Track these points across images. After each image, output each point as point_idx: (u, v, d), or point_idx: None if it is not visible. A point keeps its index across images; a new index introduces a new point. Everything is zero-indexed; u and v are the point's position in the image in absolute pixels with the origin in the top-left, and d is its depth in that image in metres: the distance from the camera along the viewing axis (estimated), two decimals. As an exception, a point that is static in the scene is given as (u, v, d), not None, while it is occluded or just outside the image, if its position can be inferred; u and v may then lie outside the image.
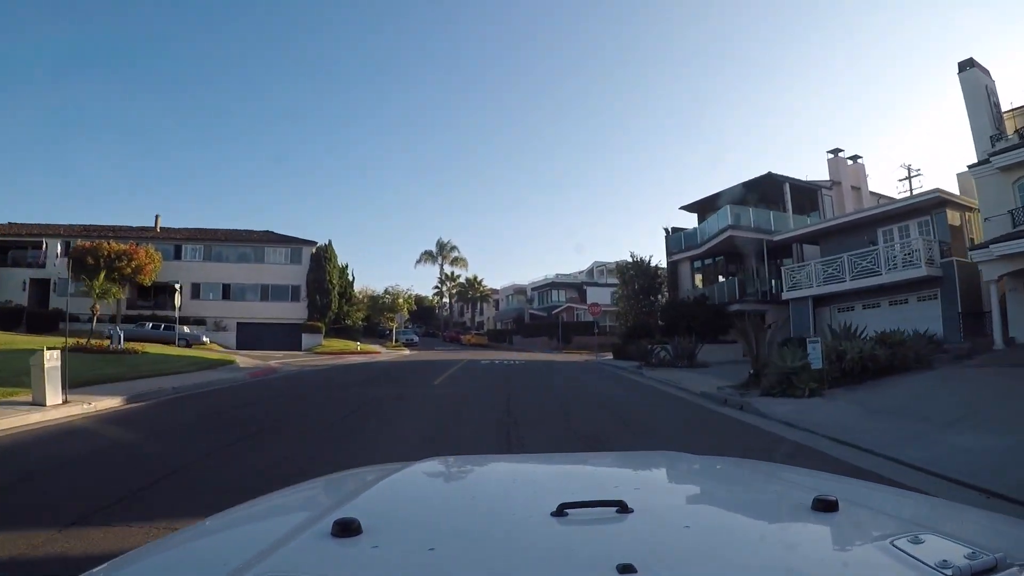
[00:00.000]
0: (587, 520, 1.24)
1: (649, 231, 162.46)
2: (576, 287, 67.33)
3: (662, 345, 22.82)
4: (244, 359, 28.01)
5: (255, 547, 1.14)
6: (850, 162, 34.30)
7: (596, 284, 67.06)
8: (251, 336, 45.86)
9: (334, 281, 46.66)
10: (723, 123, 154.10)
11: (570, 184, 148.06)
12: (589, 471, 2.22)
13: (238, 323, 46.66)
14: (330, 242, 48.11)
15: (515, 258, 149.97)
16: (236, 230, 50.29)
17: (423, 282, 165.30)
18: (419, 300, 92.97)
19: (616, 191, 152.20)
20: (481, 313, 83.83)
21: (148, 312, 45.74)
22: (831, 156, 34.05)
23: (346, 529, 1.15)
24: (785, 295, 27.32)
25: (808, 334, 25.17)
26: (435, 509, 1.58)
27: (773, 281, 30.59)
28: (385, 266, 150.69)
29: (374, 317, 55.37)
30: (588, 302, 63.39)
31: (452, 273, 76.55)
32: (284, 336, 45.42)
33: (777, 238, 28.98)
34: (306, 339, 44.88)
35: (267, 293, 47.37)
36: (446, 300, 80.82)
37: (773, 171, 31.61)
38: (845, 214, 27.63)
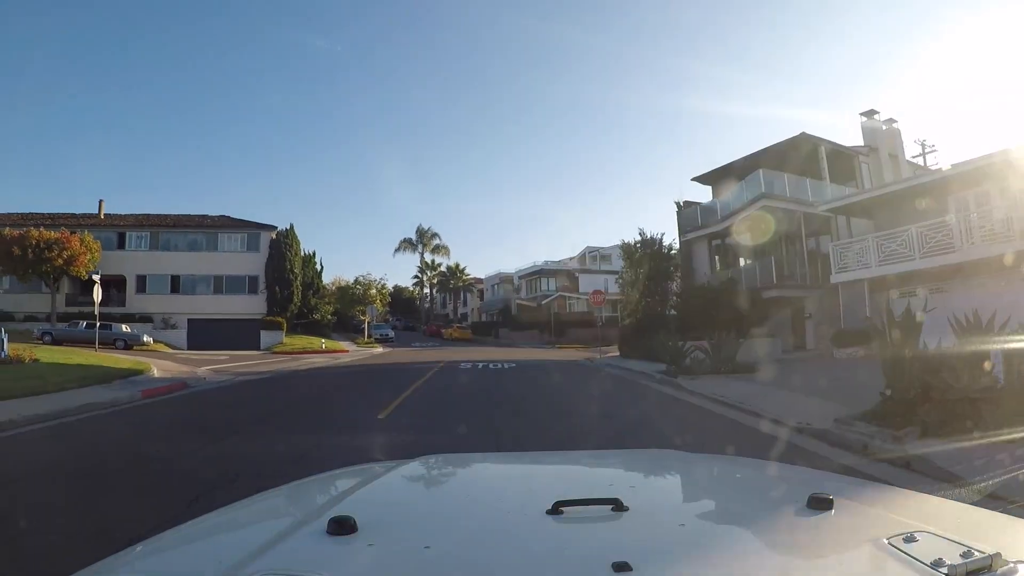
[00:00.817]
0: (582, 518, 1.25)
1: (648, 214, 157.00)
2: (567, 274, 62.23)
3: (696, 342, 17.79)
4: (170, 365, 22.63)
5: (251, 545, 1.14)
6: (884, 127, 29.66)
7: (589, 271, 62.05)
8: (204, 334, 40.39)
9: (296, 270, 41.15)
10: (728, 92, 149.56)
11: (560, 166, 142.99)
12: (584, 469, 2.22)
13: (189, 320, 41.25)
14: (291, 226, 42.70)
15: (501, 248, 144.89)
16: (187, 215, 44.56)
17: (404, 272, 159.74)
18: (399, 291, 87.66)
19: (610, 171, 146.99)
20: (465, 304, 78.49)
21: (89, 309, 40.22)
22: (865, 119, 29.32)
23: (342, 527, 1.14)
24: (835, 278, 22.50)
25: (861, 324, 20.68)
26: (431, 507, 1.63)
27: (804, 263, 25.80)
28: (363, 258, 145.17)
29: (346, 310, 49.83)
30: (584, 290, 58.27)
31: (433, 262, 71.01)
32: (241, 333, 40.00)
33: (823, 208, 23.98)
34: (265, 337, 39.50)
35: (221, 285, 41.86)
36: (427, 291, 75.12)
37: (807, 131, 26.64)
38: (907, 178, 22.77)
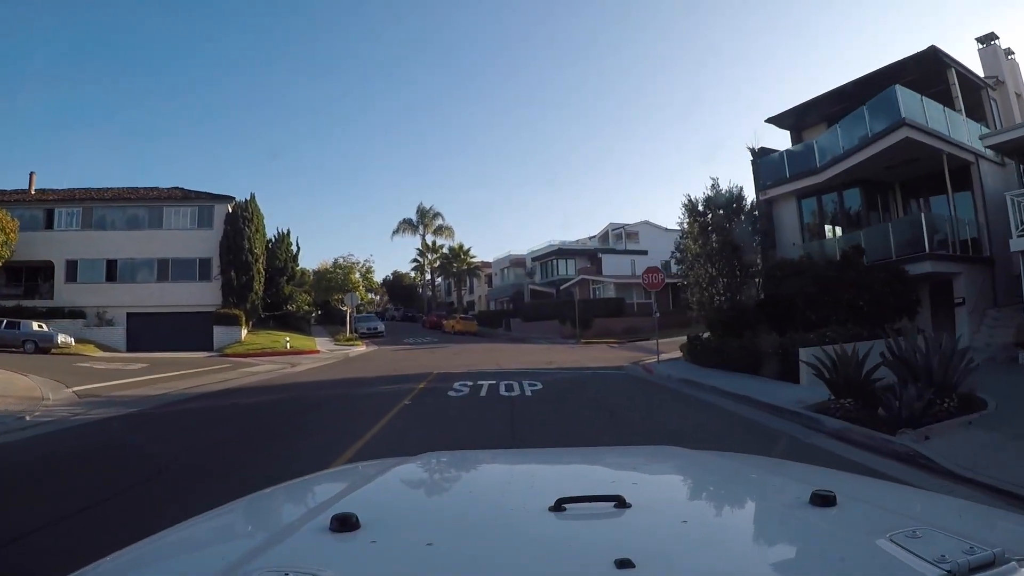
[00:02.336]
0: (585, 515, 1.24)
1: (676, 186, 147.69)
2: (589, 255, 53.95)
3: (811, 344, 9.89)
4: (23, 385, 14.70)
5: (253, 542, 1.16)
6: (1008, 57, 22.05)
7: (614, 251, 53.77)
8: (146, 331, 32.79)
9: (257, 250, 33.09)
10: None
11: (576, 136, 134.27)
12: (587, 466, 2.20)
13: (128, 314, 33.45)
14: (252, 197, 34.66)
15: (510, 231, 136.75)
16: (130, 188, 36.47)
17: (405, 257, 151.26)
18: (399, 278, 79.64)
19: (634, 134, 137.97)
20: (471, 291, 70.28)
21: (12, 302, 32.59)
22: (983, 46, 21.85)
23: (344, 524, 1.15)
24: (1016, 243, 14.76)
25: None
26: (433, 504, 1.66)
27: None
28: (360, 244, 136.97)
29: (324, 299, 41.45)
30: (608, 273, 50.18)
31: (434, 243, 62.65)
32: (191, 330, 32.32)
33: (992, 142, 15.77)
34: (220, 334, 31.70)
35: (166, 271, 33.98)
36: (427, 276, 66.62)
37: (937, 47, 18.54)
38: None
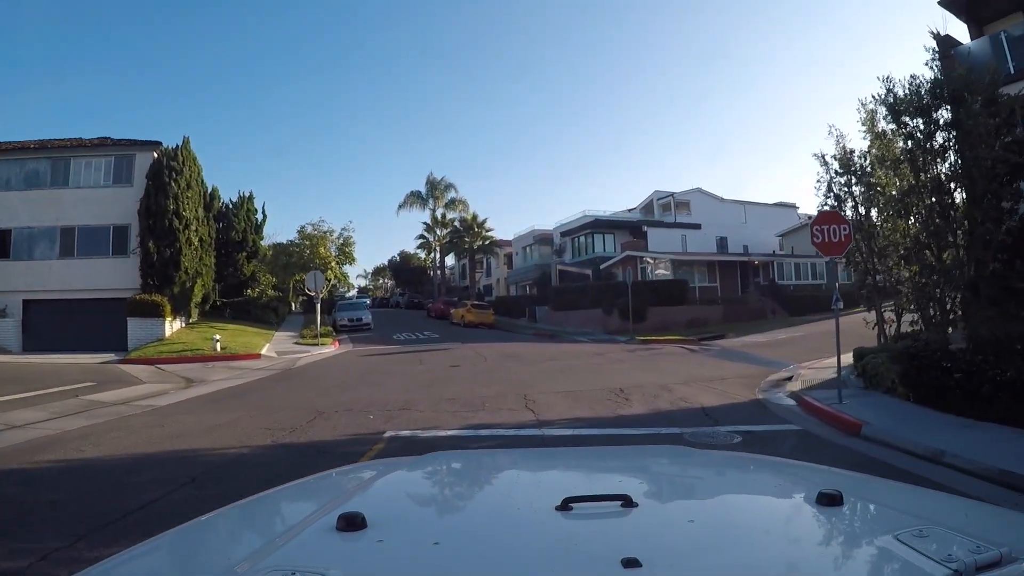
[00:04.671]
0: (592, 514, 1.24)
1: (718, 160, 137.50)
2: (630, 229, 44.24)
3: None
4: None
5: (260, 541, 1.17)
6: None
7: (661, 224, 43.99)
8: (48, 325, 24.23)
9: (186, 213, 23.74)
10: None
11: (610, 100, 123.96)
12: (594, 466, 2.14)
13: (25, 301, 24.67)
14: (186, 141, 25.35)
15: (531, 211, 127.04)
16: (35, 141, 27.19)
17: (413, 233, 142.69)
18: (406, 259, 70.35)
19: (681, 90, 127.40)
20: (488, 274, 60.72)
21: None
22: None
23: (351, 523, 1.13)
24: None
25: None
26: (440, 504, 1.64)
27: None
28: (365, 225, 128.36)
29: (281, 280, 31.75)
30: (654, 249, 40.18)
31: (443, 216, 53.02)
32: (105, 323, 23.51)
33: None
34: (136, 328, 22.79)
35: (71, 242, 24.97)
36: (436, 255, 56.73)
37: None
38: None
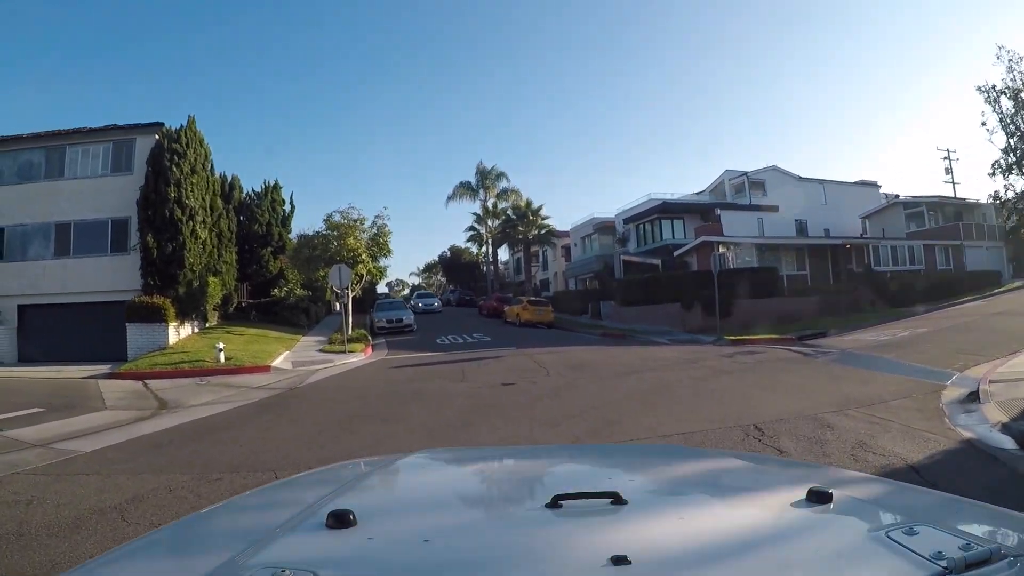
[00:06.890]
0: (581, 512, 1.22)
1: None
2: (701, 212, 39.25)
3: None
4: None
5: (250, 538, 1.14)
6: None
7: (735, 207, 38.84)
8: (46, 331, 21.54)
9: (190, 202, 20.26)
10: None
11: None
12: (584, 463, 2.15)
13: (20, 306, 21.87)
14: (191, 120, 21.95)
15: (590, 200, 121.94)
16: (39, 133, 24.24)
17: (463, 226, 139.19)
18: (456, 253, 66.66)
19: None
20: (545, 268, 56.32)
21: None
22: None
23: (341, 521, 1.13)
24: None
25: None
26: (429, 501, 1.57)
27: None
28: (413, 220, 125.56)
29: (307, 275, 27.56)
30: (729, 234, 35.31)
31: (495, 206, 49.02)
32: (106, 328, 20.47)
33: None
34: (137, 334, 19.67)
35: (67, 240, 21.95)
36: (488, 247, 52.66)
37: None
38: None
